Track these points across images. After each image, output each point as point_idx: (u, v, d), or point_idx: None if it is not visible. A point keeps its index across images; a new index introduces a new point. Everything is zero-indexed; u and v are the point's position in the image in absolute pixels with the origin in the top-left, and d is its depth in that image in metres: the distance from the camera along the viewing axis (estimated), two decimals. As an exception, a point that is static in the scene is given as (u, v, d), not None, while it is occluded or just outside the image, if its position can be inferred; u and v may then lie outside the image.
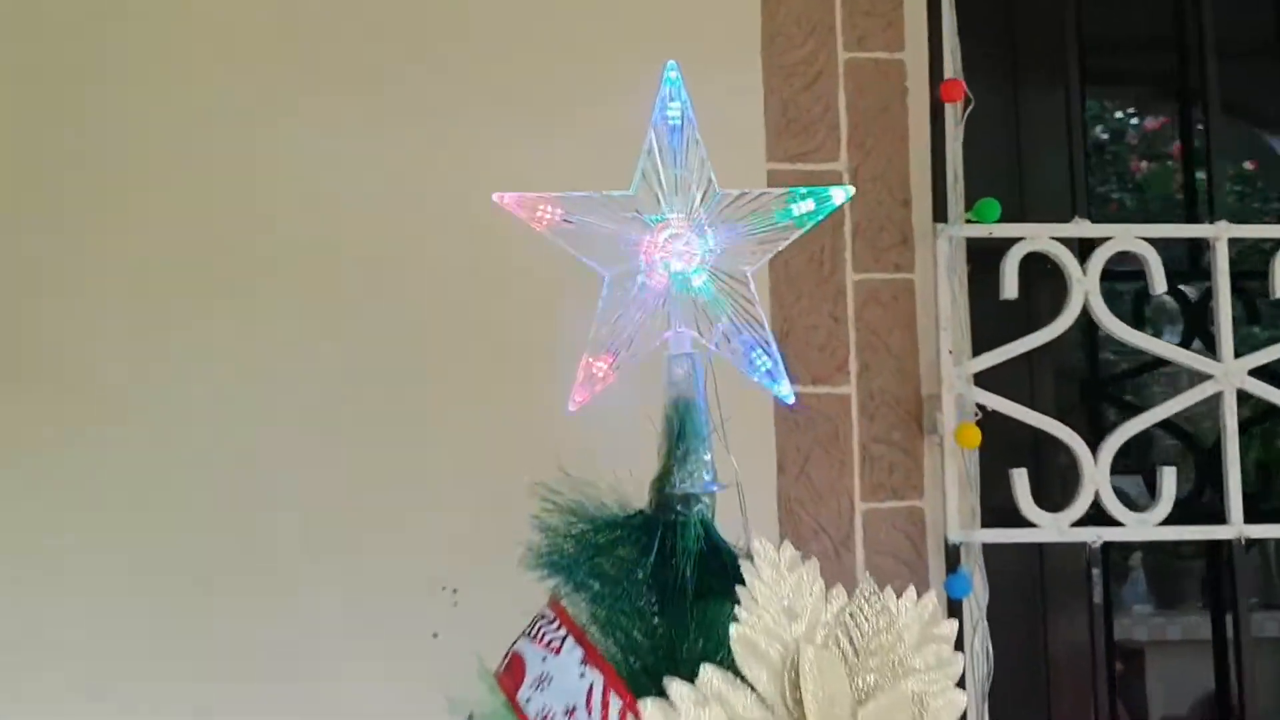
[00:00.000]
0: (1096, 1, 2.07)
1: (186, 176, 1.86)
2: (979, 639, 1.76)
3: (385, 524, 1.81)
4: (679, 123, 1.05)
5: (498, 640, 1.12)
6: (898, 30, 1.96)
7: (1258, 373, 1.88)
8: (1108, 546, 1.90)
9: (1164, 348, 1.89)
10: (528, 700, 0.92)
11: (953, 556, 1.79)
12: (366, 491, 1.82)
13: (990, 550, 1.83)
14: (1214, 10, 1.95)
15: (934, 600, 0.95)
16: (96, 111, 1.86)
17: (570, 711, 0.89)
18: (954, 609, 1.75)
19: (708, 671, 0.84)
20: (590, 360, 1.05)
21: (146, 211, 1.85)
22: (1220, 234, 1.88)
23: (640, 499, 1.06)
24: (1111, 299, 1.87)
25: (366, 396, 1.82)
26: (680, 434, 1.03)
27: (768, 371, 1.07)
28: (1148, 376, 2.58)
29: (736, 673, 0.85)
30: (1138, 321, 2.27)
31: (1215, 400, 1.87)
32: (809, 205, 1.06)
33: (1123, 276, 2.26)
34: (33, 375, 1.83)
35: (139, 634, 1.80)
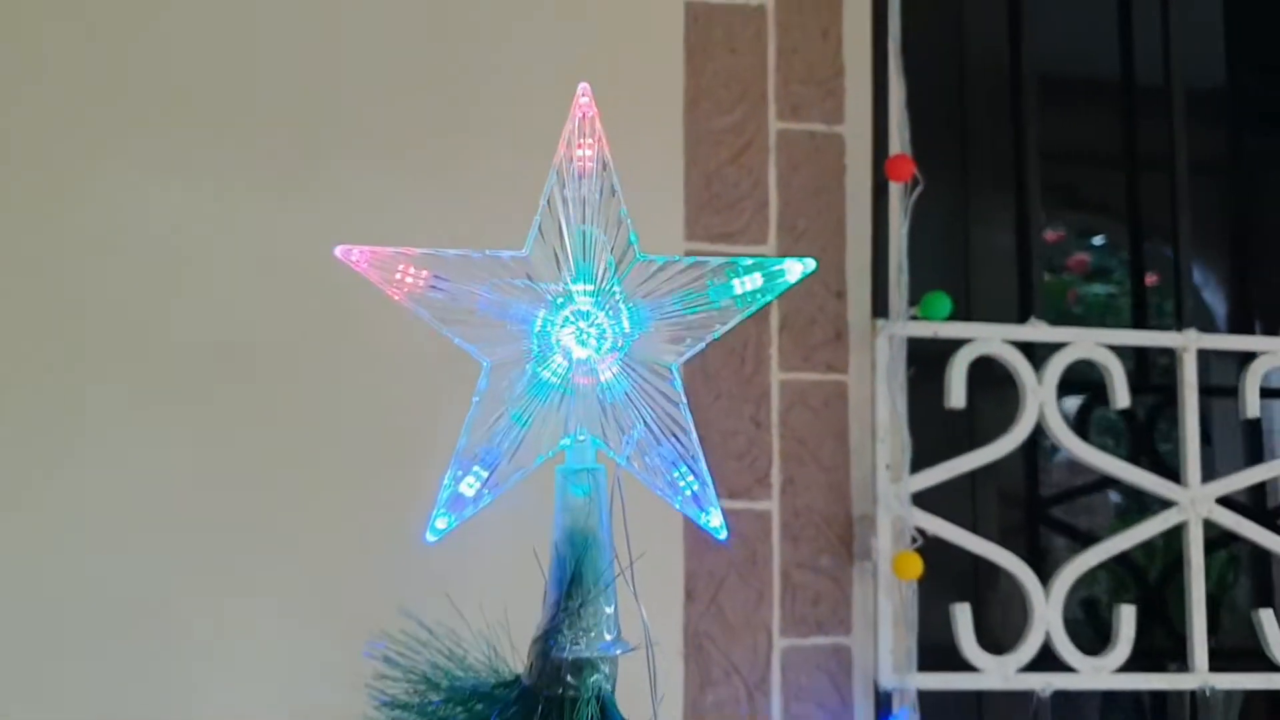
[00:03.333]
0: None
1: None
2: (914, 803, 1.51)
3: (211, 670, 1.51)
4: (592, 165, 0.80)
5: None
6: (837, 100, 1.75)
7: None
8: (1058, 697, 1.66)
9: (1128, 470, 1.67)
10: None
11: (883, 703, 1.54)
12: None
13: (924, 697, 1.59)
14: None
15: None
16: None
17: None
18: (885, 767, 1.50)
19: None
20: (458, 475, 0.79)
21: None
22: (1189, 343, 1.68)
23: (517, 661, 0.80)
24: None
25: (192, 504, 1.52)
26: (575, 578, 0.77)
27: (694, 496, 0.82)
28: (1089, 499, 2.37)
29: None
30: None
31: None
32: (755, 281, 0.82)
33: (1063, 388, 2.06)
34: None
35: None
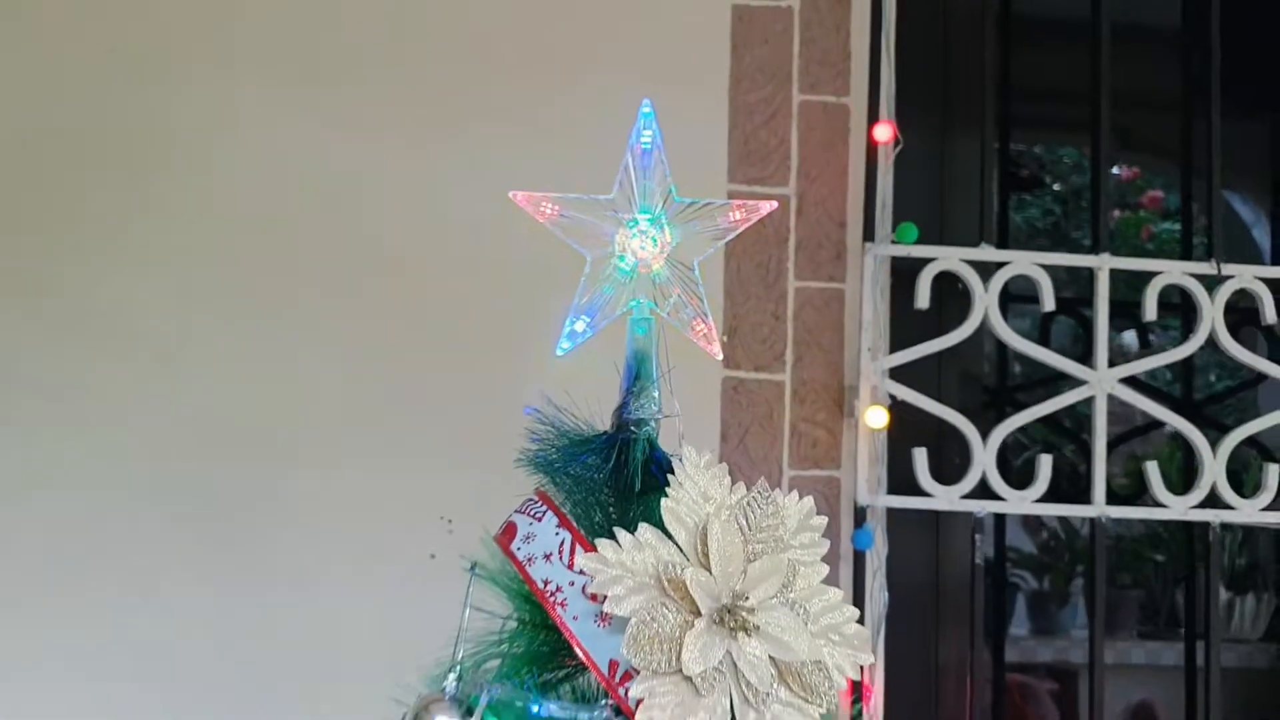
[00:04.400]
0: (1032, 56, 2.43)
1: (210, 171, 2.24)
2: (878, 584, 2.13)
3: (386, 456, 2.19)
4: (650, 147, 1.42)
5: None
6: (845, 79, 2.34)
7: (1134, 386, 2.27)
8: (1002, 530, 2.26)
9: (1045, 354, 2.27)
10: (517, 549, 1.28)
11: (860, 516, 2.16)
12: (371, 427, 2.19)
13: (896, 515, 2.21)
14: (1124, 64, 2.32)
15: (811, 502, 1.31)
16: (122, 105, 2.23)
17: (548, 556, 1.25)
18: (860, 560, 2.13)
19: (645, 528, 1.20)
20: (574, 320, 1.41)
21: (171, 202, 2.22)
22: (1103, 264, 2.27)
23: (605, 422, 1.42)
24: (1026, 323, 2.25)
25: (376, 349, 2.20)
26: (637, 375, 1.38)
27: (704, 335, 1.43)
28: (1048, 389, 2.95)
29: (665, 533, 1.21)
30: (1044, 342, 2.64)
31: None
32: (740, 214, 1.43)
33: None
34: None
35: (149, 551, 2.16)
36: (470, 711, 1.24)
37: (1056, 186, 6.56)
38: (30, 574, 2.12)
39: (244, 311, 2.21)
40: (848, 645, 1.24)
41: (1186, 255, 2.80)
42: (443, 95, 2.25)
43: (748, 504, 1.27)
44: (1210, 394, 3.36)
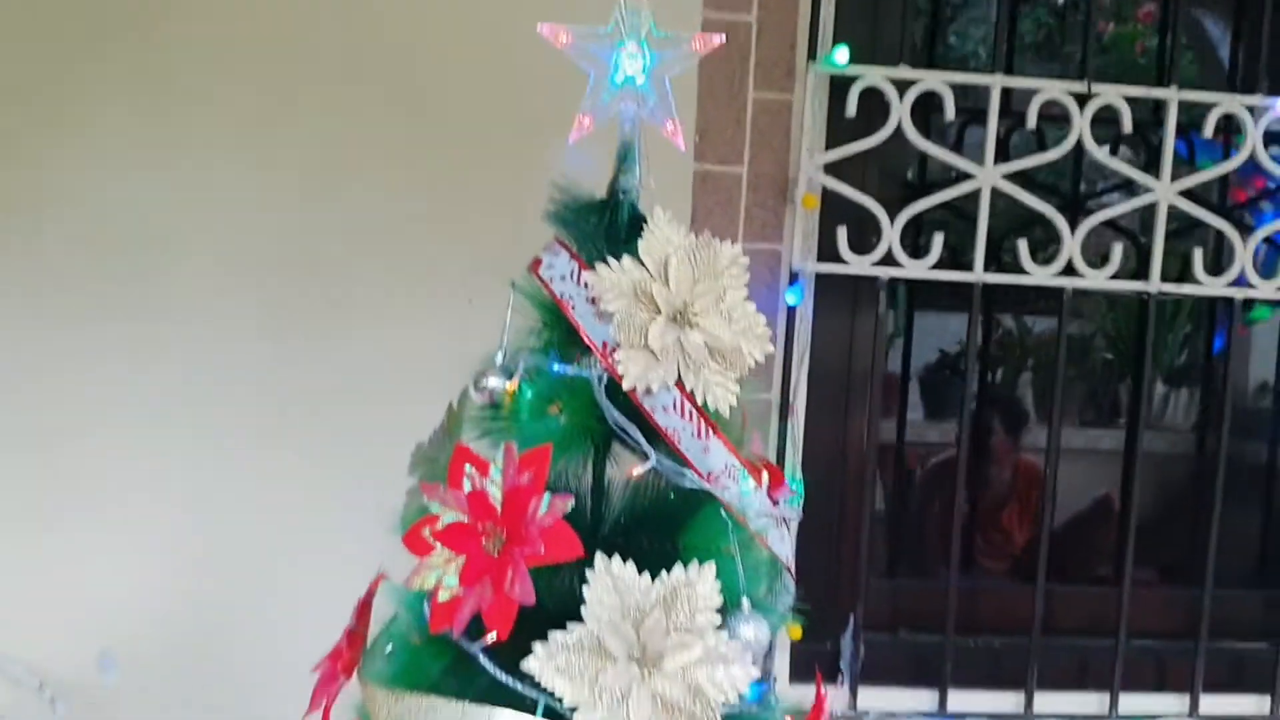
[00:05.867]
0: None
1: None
2: (804, 329, 2.78)
3: (421, 238, 2.80)
4: (636, -5, 1.99)
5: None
6: (801, -76, 2.88)
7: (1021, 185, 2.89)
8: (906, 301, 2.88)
9: (942, 152, 2.88)
10: (544, 273, 1.90)
11: (794, 278, 2.80)
12: (416, 223, 2.80)
13: (824, 279, 2.84)
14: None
15: (740, 249, 1.92)
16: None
17: (563, 277, 1.87)
18: (791, 314, 2.77)
19: (626, 258, 1.83)
20: (581, 117, 2.01)
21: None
22: (996, 82, 2.85)
23: (601, 192, 2.03)
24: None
25: (421, 150, 2.79)
26: (625, 159, 1.98)
27: (672, 132, 2.03)
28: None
29: (640, 262, 1.84)
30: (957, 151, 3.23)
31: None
32: (699, 45, 2.01)
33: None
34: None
35: (254, 306, 2.79)
36: (511, 375, 1.87)
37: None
38: (170, 333, 2.77)
39: (295, 122, 2.79)
40: (758, 339, 1.87)
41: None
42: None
43: (695, 246, 1.89)
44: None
